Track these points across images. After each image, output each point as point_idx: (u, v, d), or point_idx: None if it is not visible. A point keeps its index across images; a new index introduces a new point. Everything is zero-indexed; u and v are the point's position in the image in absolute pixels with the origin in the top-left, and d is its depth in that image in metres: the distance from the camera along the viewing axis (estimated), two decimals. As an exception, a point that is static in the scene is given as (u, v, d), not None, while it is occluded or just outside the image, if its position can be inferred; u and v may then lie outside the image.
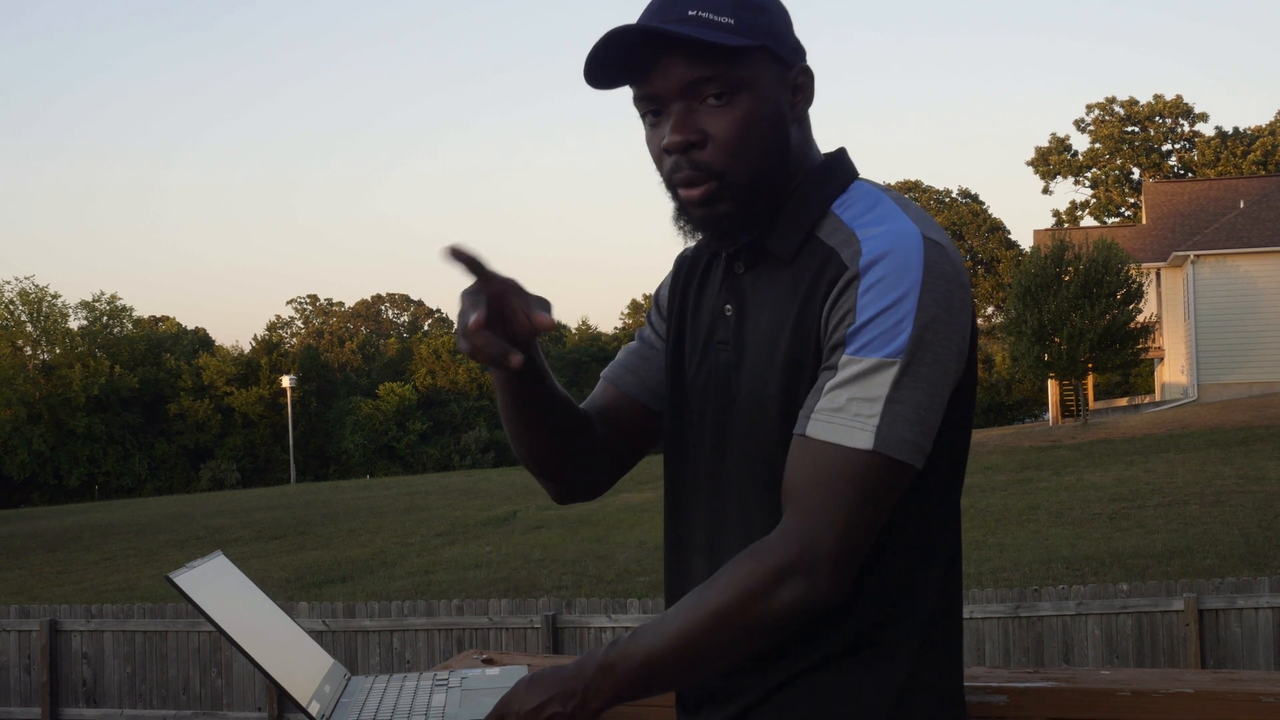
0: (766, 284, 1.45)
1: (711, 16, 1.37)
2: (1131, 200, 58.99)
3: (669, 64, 1.38)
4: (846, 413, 1.32)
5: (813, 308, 1.38)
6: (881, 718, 1.39)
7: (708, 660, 1.36)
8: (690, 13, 1.37)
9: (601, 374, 1.68)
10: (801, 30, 1.52)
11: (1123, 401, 42.07)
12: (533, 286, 1.38)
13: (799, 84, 1.45)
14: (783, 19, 1.45)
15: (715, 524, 1.49)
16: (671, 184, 1.43)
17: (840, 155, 1.50)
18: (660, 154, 1.43)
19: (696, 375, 1.52)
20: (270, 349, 63.53)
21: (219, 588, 1.56)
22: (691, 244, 1.56)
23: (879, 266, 1.33)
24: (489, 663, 1.93)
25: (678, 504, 1.55)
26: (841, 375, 1.33)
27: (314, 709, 1.55)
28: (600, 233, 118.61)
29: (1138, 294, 29.63)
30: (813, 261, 1.40)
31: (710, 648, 1.34)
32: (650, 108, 1.43)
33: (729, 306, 1.48)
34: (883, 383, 1.31)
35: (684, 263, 1.62)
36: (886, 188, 1.46)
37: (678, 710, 1.56)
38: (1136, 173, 59.61)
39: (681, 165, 1.40)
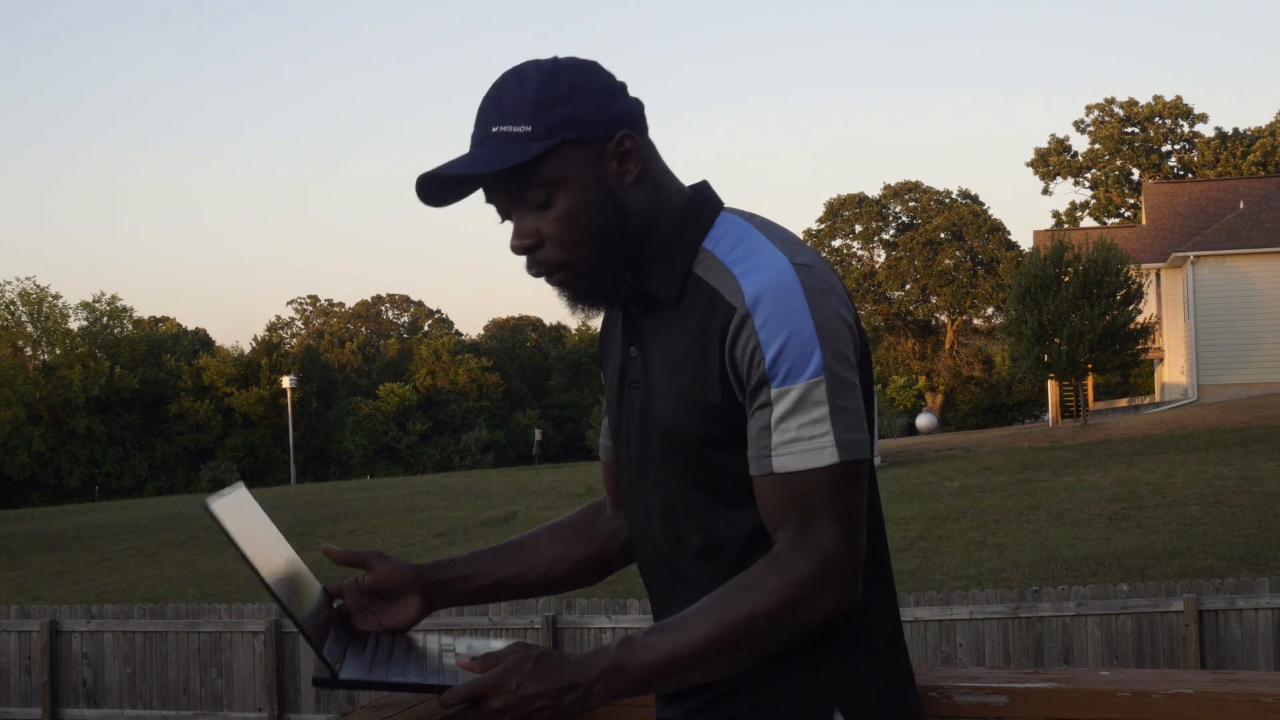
0: (661, 324, 1.55)
1: (510, 129, 1.46)
2: (1131, 201, 58.93)
3: (486, 188, 1.51)
4: (802, 439, 1.43)
5: (708, 347, 1.48)
6: (830, 698, 1.50)
7: (730, 663, 1.46)
8: (494, 129, 1.47)
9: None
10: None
11: (1123, 402, 42.08)
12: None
13: (623, 151, 1.51)
14: (584, 102, 1.49)
15: (646, 541, 1.63)
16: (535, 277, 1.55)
17: (702, 189, 1.58)
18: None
19: (619, 413, 1.64)
20: (270, 349, 63.49)
21: (245, 519, 1.56)
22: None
23: (765, 302, 1.44)
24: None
25: (633, 526, 1.68)
26: (780, 408, 1.44)
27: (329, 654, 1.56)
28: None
29: (1137, 295, 29.62)
30: (698, 300, 1.50)
31: (737, 651, 1.44)
32: (501, 215, 1.53)
33: (633, 348, 1.59)
34: (819, 400, 1.43)
35: (605, 318, 1.74)
36: (750, 216, 1.55)
37: (657, 700, 1.66)
38: (1136, 173, 59.55)
39: (531, 265, 1.52)
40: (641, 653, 1.43)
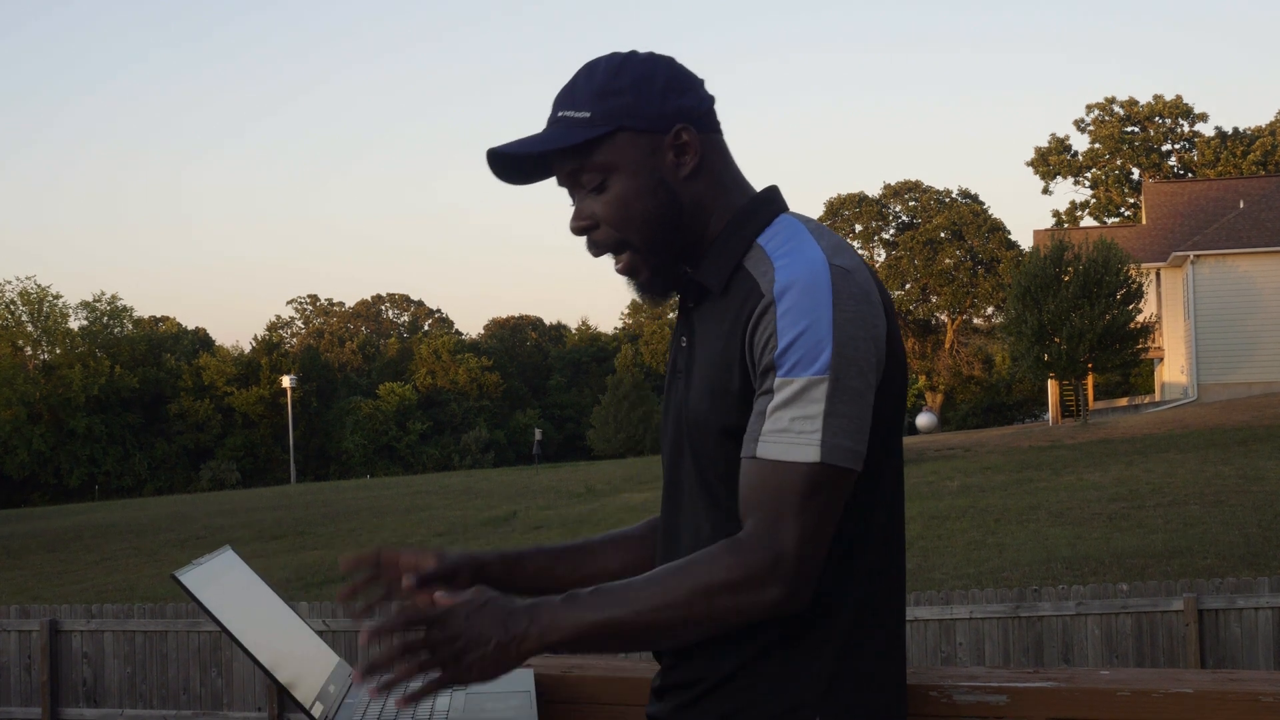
0: (708, 316, 1.58)
1: (573, 114, 1.55)
2: (1131, 200, 58.91)
3: (552, 164, 1.59)
4: (791, 431, 1.44)
5: (736, 334, 1.51)
6: (812, 706, 1.50)
7: (663, 638, 1.46)
8: (559, 114, 1.56)
9: None
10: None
11: (1123, 401, 42.05)
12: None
13: (679, 144, 1.56)
14: (645, 94, 1.55)
15: (671, 532, 1.63)
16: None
17: (769, 192, 1.62)
18: None
19: (666, 403, 1.66)
20: (270, 349, 63.50)
21: (225, 585, 1.55)
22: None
23: (791, 293, 1.46)
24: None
25: (663, 514, 1.68)
26: (779, 397, 1.44)
27: (317, 710, 1.55)
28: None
29: (1137, 294, 29.60)
30: (739, 291, 1.53)
31: (675, 625, 1.44)
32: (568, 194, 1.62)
33: (684, 339, 1.63)
34: (818, 398, 1.43)
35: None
36: (808, 220, 1.58)
37: (649, 696, 1.67)
38: (1136, 173, 59.53)
39: (590, 245, 1.59)
40: (581, 612, 1.43)
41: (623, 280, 1.62)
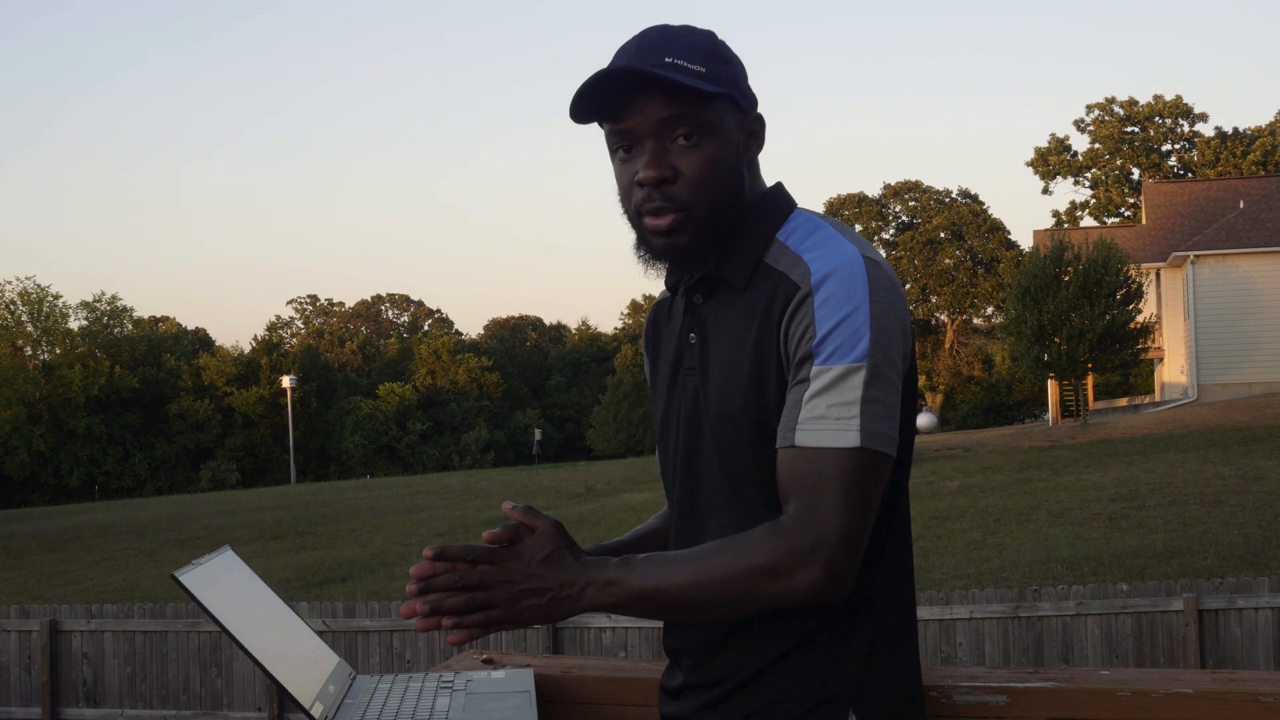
0: (725, 311, 1.57)
1: (686, 64, 1.51)
2: (1131, 200, 58.90)
3: (646, 102, 1.51)
4: (829, 418, 1.44)
5: (769, 327, 1.51)
6: (844, 700, 1.50)
7: (700, 612, 1.47)
8: (667, 59, 1.50)
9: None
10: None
11: (1123, 401, 42.03)
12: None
13: (753, 130, 1.59)
14: (743, 71, 1.59)
15: (694, 535, 1.60)
16: (639, 214, 1.54)
17: (779, 189, 1.63)
18: (630, 186, 1.55)
19: (670, 401, 1.64)
20: (270, 349, 63.47)
21: (225, 585, 1.55)
22: (653, 274, 1.66)
23: (828, 284, 1.47)
24: (489, 663, 1.94)
25: (678, 524, 1.66)
26: (816, 385, 1.45)
27: (316, 710, 1.55)
28: (601, 233, 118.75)
29: (1137, 294, 29.59)
30: (765, 286, 1.53)
31: (717, 602, 1.45)
32: (623, 143, 1.55)
33: (693, 335, 1.60)
34: (855, 385, 1.44)
35: (655, 310, 1.76)
36: (823, 215, 1.59)
37: (660, 696, 1.67)
38: (1136, 173, 59.52)
39: (653, 197, 1.52)
40: (636, 577, 1.45)
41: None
